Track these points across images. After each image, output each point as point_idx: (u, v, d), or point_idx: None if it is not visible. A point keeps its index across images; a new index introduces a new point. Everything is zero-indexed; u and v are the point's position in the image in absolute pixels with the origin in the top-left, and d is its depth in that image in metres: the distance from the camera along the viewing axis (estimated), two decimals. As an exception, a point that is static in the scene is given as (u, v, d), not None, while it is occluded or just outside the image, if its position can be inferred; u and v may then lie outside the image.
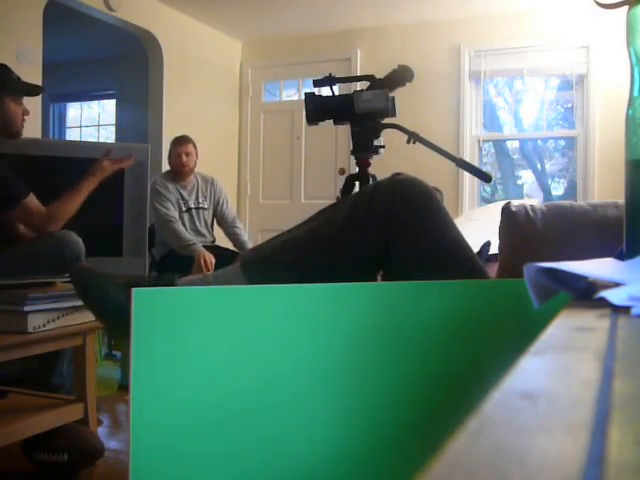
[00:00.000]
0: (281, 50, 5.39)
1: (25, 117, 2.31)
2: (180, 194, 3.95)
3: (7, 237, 2.20)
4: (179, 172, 3.92)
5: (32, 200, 2.20)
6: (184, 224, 3.92)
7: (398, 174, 1.31)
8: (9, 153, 2.39)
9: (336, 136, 5.05)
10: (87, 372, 1.92)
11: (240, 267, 1.28)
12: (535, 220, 1.47)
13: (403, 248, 1.26)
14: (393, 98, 1.91)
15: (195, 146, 3.94)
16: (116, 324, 1.22)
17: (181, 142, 3.92)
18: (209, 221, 4.08)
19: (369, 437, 0.93)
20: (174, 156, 3.91)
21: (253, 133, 5.53)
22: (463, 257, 1.29)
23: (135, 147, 3.13)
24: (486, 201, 5.05)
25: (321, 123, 1.99)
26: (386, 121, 1.93)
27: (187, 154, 3.88)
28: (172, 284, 1.24)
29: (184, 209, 3.95)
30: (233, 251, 3.89)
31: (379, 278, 1.34)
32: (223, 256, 3.60)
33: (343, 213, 1.27)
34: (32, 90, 2.37)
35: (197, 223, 4.00)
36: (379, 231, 1.25)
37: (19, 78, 2.32)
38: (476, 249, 2.25)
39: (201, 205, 4.01)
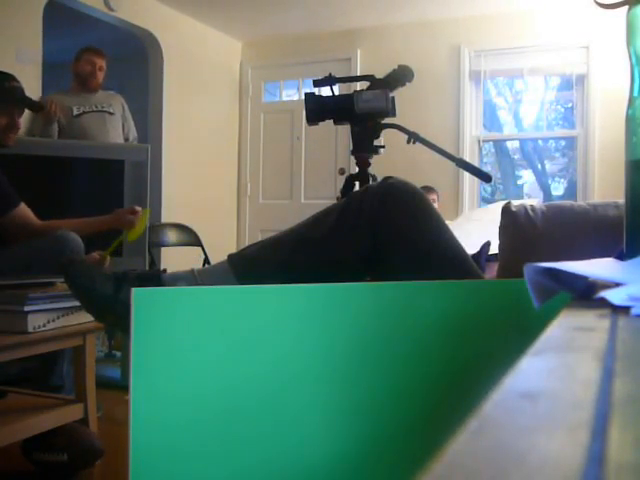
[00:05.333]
0: (281, 50, 5.39)
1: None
2: (73, 99, 3.31)
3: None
4: (85, 83, 3.34)
5: (22, 211, 2.19)
6: (87, 130, 3.22)
7: (389, 178, 1.32)
8: (7, 154, 2.39)
9: (336, 136, 5.05)
10: (87, 372, 1.92)
11: (229, 265, 1.28)
12: (535, 220, 1.47)
13: (396, 250, 1.26)
14: (393, 98, 1.91)
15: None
16: (103, 314, 1.23)
17: (97, 53, 3.37)
18: (120, 132, 3.40)
19: (368, 436, 0.93)
20: (85, 62, 3.33)
21: (253, 133, 5.53)
22: (458, 258, 1.29)
23: (135, 147, 3.13)
24: (486, 201, 5.05)
25: (321, 123, 1.98)
26: (386, 121, 1.93)
27: (100, 68, 3.36)
28: (158, 277, 1.24)
29: (75, 113, 3.30)
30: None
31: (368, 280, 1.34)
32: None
33: (334, 215, 1.28)
34: (33, 105, 2.32)
35: (110, 129, 3.31)
36: (369, 233, 1.26)
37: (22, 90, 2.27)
38: (476, 249, 2.25)
39: (106, 109, 3.39)
